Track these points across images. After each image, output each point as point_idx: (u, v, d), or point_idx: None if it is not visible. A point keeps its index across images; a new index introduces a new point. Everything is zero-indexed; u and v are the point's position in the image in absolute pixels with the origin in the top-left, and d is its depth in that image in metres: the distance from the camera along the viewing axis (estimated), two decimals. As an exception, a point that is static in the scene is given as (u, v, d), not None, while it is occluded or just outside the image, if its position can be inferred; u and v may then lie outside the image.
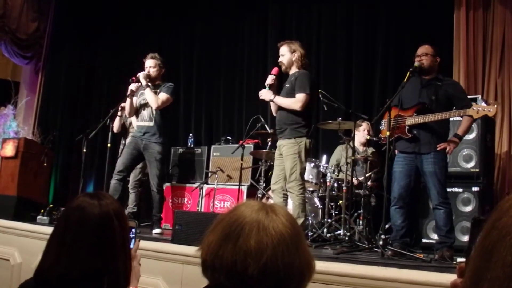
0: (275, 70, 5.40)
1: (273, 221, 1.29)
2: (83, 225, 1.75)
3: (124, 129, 7.52)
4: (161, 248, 4.21)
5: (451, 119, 5.03)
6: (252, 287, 1.24)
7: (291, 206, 5.20)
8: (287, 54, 5.35)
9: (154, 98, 5.96)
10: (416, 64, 4.78)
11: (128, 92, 6.15)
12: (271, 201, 6.33)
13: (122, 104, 6.69)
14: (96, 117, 9.72)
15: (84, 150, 6.24)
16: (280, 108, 5.34)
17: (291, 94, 5.25)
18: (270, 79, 5.35)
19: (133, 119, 7.08)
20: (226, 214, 1.35)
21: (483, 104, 4.75)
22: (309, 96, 5.21)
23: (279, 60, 5.41)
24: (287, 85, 5.33)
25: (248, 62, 8.97)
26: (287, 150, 5.16)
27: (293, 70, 5.39)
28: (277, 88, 5.48)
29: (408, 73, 4.66)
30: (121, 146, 7.45)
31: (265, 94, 5.33)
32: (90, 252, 1.72)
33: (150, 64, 6.17)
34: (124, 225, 1.85)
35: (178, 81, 8.85)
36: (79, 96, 10.69)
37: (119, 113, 7.13)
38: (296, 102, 5.16)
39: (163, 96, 6.03)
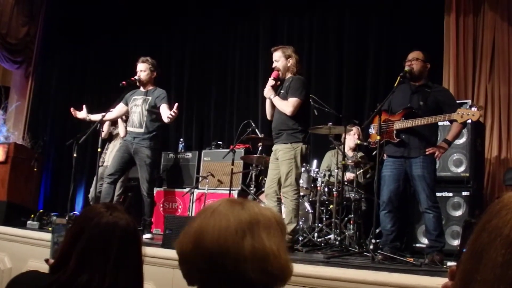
0: (274, 73, 5.31)
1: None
2: (126, 240, 1.80)
3: (110, 135, 7.52)
4: (152, 253, 4.19)
5: (440, 124, 5.05)
6: None
7: (285, 210, 5.18)
8: (281, 59, 5.30)
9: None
10: (406, 68, 4.80)
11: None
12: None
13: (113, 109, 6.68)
14: (86, 122, 9.66)
15: (75, 155, 6.21)
16: (277, 113, 5.31)
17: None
18: (271, 82, 5.29)
19: (120, 123, 7.07)
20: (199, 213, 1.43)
21: (471, 109, 4.77)
22: (301, 102, 5.15)
23: (274, 66, 5.34)
24: (282, 91, 5.28)
25: (239, 68, 8.97)
26: (283, 154, 5.13)
27: (288, 75, 5.34)
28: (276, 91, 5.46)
29: (399, 77, 4.68)
30: (105, 150, 7.41)
31: (267, 91, 5.29)
32: (132, 263, 1.80)
33: (141, 68, 6.19)
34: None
35: (169, 86, 8.84)
36: (69, 101, 10.59)
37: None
38: (288, 106, 5.10)
39: (167, 107, 6.02)
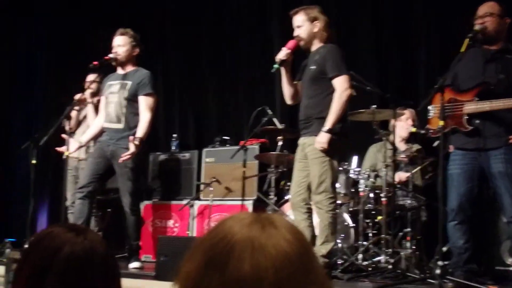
0: (291, 43, 5.33)
1: (272, 237, 1.24)
2: (109, 271, 1.76)
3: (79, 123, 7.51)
4: (142, 287, 4.17)
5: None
6: None
7: (318, 226, 5.16)
8: (305, 24, 5.30)
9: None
10: (477, 27, 4.73)
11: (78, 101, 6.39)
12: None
13: (78, 97, 6.67)
14: (45, 116, 9.66)
15: (33, 162, 6.18)
16: (305, 95, 5.30)
17: (320, 80, 5.19)
18: (283, 53, 5.26)
19: (90, 109, 7.05)
20: (208, 233, 1.30)
21: None
22: (350, 77, 5.16)
23: (296, 34, 5.34)
24: (312, 67, 5.25)
25: (247, 36, 8.94)
26: (314, 151, 5.10)
27: (316, 45, 5.34)
28: (292, 69, 5.44)
29: (467, 40, 4.60)
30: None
31: (321, 137, 5.02)
32: None
33: (118, 42, 6.18)
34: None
35: (154, 65, 8.79)
36: (16, 89, 10.63)
37: (76, 107, 7.05)
38: (341, 93, 5.06)
39: (147, 103, 6.06)
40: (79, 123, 7.56)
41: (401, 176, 6.31)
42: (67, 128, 6.62)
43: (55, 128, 6.15)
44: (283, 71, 5.37)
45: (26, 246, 5.77)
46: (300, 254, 1.25)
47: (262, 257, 1.20)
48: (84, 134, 6.62)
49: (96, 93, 6.95)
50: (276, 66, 5.28)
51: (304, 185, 5.23)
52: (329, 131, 4.98)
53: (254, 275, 1.18)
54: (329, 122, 5.00)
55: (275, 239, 1.24)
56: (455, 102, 4.82)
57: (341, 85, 5.08)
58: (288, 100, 5.57)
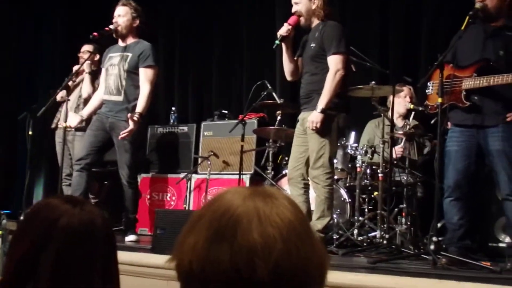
0: (292, 19, 5.34)
1: (276, 207, 1.27)
2: (108, 243, 1.77)
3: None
4: (139, 260, 4.24)
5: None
6: None
7: (314, 200, 5.21)
8: (303, 1, 5.31)
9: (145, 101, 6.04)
10: (477, 5, 4.68)
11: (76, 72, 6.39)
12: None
13: (76, 68, 6.69)
14: (44, 88, 9.65)
15: (30, 133, 6.19)
16: (306, 72, 5.33)
17: (320, 57, 5.23)
18: (284, 29, 5.28)
19: (86, 79, 7.05)
20: (207, 207, 1.32)
21: None
22: (346, 56, 5.18)
23: (294, 10, 5.35)
24: (312, 45, 5.28)
25: (249, 11, 8.92)
26: None
27: (315, 22, 5.34)
28: (293, 44, 5.45)
29: (467, 18, 4.58)
30: (60, 109, 7.38)
31: (314, 117, 5.06)
32: (114, 275, 1.77)
33: (119, 12, 6.14)
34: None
35: (155, 37, 8.77)
36: (19, 61, 10.60)
37: (74, 78, 7.04)
38: (334, 72, 5.09)
39: (147, 75, 6.05)
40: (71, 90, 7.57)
41: (397, 150, 6.31)
42: (58, 98, 6.63)
43: (53, 99, 6.17)
44: (284, 47, 5.37)
45: (22, 217, 5.84)
46: (301, 222, 1.28)
47: (269, 226, 1.23)
48: (85, 107, 6.59)
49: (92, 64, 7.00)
50: (277, 42, 5.29)
51: (302, 160, 5.27)
52: (322, 111, 5.01)
53: (264, 244, 1.21)
54: (322, 102, 5.03)
55: (279, 209, 1.27)
56: (454, 78, 4.81)
57: (335, 65, 5.11)
58: (288, 77, 5.57)
